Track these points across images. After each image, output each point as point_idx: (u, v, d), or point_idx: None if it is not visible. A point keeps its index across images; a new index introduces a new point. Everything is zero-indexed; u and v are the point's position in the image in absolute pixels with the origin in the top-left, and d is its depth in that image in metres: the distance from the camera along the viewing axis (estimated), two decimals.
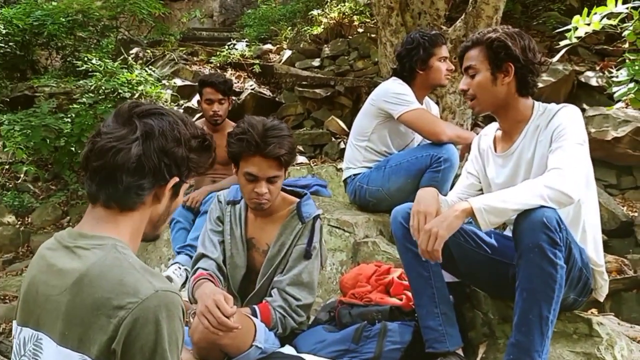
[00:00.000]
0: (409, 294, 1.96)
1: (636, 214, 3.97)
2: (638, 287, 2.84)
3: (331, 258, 2.71)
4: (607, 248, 1.97)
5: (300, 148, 5.41)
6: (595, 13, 2.52)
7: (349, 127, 5.85)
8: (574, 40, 2.58)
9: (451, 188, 2.46)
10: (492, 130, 2.10)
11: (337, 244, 2.78)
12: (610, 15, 2.57)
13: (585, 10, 2.52)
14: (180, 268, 2.74)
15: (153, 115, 1.19)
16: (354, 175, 2.97)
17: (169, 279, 2.67)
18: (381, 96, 2.88)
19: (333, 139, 5.42)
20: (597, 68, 6.15)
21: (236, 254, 2.08)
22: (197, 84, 3.35)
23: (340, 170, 4.40)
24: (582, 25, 2.58)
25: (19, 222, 5.41)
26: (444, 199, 1.95)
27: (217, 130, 3.29)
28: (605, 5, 7.29)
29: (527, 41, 1.87)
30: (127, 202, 1.17)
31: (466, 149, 2.77)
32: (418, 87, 2.90)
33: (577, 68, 6.07)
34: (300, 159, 5.11)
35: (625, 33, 2.47)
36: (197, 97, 6.10)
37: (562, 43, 2.74)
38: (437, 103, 4.39)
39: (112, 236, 1.16)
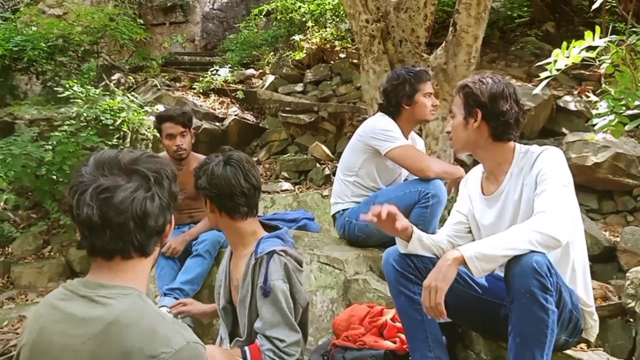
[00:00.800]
0: (403, 336, 1.96)
1: (618, 239, 4.02)
2: (623, 313, 2.86)
3: (322, 295, 2.69)
4: (591, 274, 2.01)
5: (285, 174, 5.41)
6: (575, 46, 2.58)
7: (333, 153, 5.91)
8: (554, 73, 2.63)
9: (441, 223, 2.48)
10: (478, 171, 2.13)
11: (327, 281, 2.76)
12: (588, 48, 2.64)
13: (565, 44, 2.58)
14: (169, 312, 2.70)
15: (149, 160, 1.22)
16: (343, 210, 2.97)
17: None
18: (368, 132, 2.91)
19: (318, 165, 5.43)
20: (575, 92, 6.30)
21: (221, 292, 2.11)
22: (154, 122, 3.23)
23: (325, 197, 4.40)
24: (562, 58, 2.64)
25: None
26: (425, 235, 1.97)
27: (182, 166, 3.20)
28: (579, 31, 7.51)
29: (502, 88, 1.92)
30: (149, 247, 1.20)
31: (453, 183, 2.81)
32: (403, 122, 2.94)
33: (555, 93, 6.20)
34: (285, 185, 5.11)
35: (604, 66, 2.52)
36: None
37: (543, 75, 2.80)
38: (420, 129, 4.45)
39: (134, 286, 1.17)
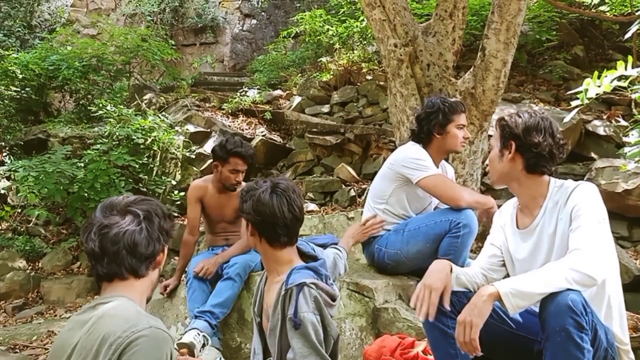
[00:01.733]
0: None
1: None
2: None
3: (350, 323, 2.68)
4: None
5: (311, 195, 5.44)
6: (607, 75, 2.57)
7: (359, 174, 5.93)
8: (586, 102, 2.63)
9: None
10: (513, 203, 2.14)
11: (356, 309, 2.75)
12: (620, 77, 2.63)
13: (596, 72, 2.57)
14: (199, 334, 2.73)
15: (142, 202, 1.55)
16: (372, 238, 2.98)
17: (192, 344, 2.66)
18: (400, 161, 2.93)
19: (343, 186, 5.45)
20: (604, 117, 6.23)
21: (255, 310, 2.14)
22: (219, 149, 3.22)
23: (351, 219, 4.41)
24: (594, 87, 2.64)
25: (30, 267, 5.42)
26: (460, 270, 1.97)
27: (224, 191, 3.30)
28: (608, 54, 7.39)
29: (537, 122, 1.95)
30: (141, 270, 1.51)
31: (484, 213, 2.80)
32: (434, 150, 2.96)
33: (584, 117, 6.13)
34: (311, 206, 5.14)
35: (635, 95, 2.51)
36: (209, 144, 6.25)
37: (573, 103, 2.79)
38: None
39: (125, 295, 1.48)
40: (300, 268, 1.98)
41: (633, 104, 6.33)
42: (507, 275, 2.07)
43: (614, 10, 6.82)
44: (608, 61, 7.39)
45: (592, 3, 6.71)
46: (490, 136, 2.10)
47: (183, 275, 3.35)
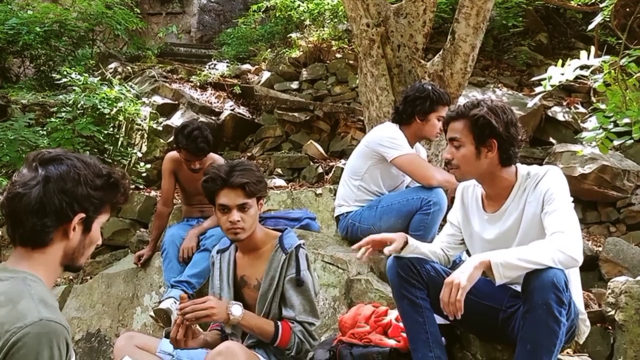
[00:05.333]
0: (405, 335, 2.06)
1: (600, 249, 4.16)
2: (602, 320, 2.98)
3: (324, 293, 2.79)
4: None
5: (279, 171, 5.48)
6: (570, 64, 2.69)
7: (327, 152, 5.99)
8: (549, 89, 2.75)
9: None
10: (474, 184, 2.21)
11: (330, 279, 2.85)
12: (582, 66, 2.75)
13: (560, 61, 2.69)
14: (175, 302, 2.78)
15: (54, 161, 1.37)
16: (347, 213, 3.09)
17: (169, 311, 2.72)
18: (376, 140, 3.04)
19: (311, 163, 5.51)
20: (564, 103, 6.45)
21: (223, 294, 2.22)
22: (175, 135, 3.26)
23: (319, 195, 4.48)
24: (557, 74, 2.75)
25: None
26: (419, 243, 2.12)
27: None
28: (571, 42, 7.59)
29: (509, 116, 2.00)
30: (36, 240, 1.35)
31: (453, 192, 2.92)
32: (411, 133, 3.07)
33: (545, 103, 6.33)
34: (279, 182, 5.18)
35: (596, 84, 2.64)
36: (177, 116, 6.19)
37: (537, 89, 2.91)
38: None
39: (26, 270, 1.34)
40: (288, 233, 2.14)
41: (592, 91, 6.56)
42: (469, 253, 2.19)
43: (578, 0, 7.01)
44: (570, 49, 7.61)
45: None
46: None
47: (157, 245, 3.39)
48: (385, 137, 3.01)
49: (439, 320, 2.02)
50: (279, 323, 2.07)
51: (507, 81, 7.03)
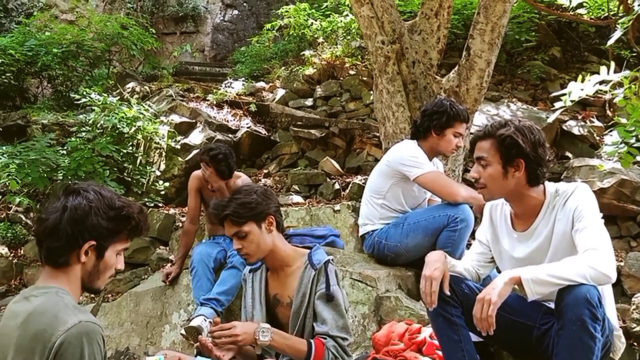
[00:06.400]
0: (440, 353, 2.07)
1: (622, 264, 4.13)
2: (627, 337, 2.96)
3: (353, 311, 2.79)
4: None
5: (296, 187, 5.52)
6: (589, 80, 2.71)
7: (343, 168, 6.02)
8: (569, 104, 2.76)
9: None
10: (503, 202, 2.21)
11: (359, 297, 2.86)
12: (601, 81, 2.77)
13: (580, 76, 2.70)
14: (205, 320, 2.81)
15: (74, 192, 1.56)
16: (372, 231, 3.11)
17: (200, 329, 2.75)
18: (397, 159, 3.07)
19: (328, 180, 5.54)
20: (580, 117, 6.44)
21: (255, 314, 2.25)
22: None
23: (337, 212, 4.51)
24: (577, 90, 2.76)
25: (12, 254, 5.37)
26: (454, 261, 2.10)
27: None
28: (584, 56, 7.59)
29: (537, 136, 2.00)
30: (53, 260, 1.54)
31: (479, 209, 2.93)
32: (427, 148, 3.11)
33: (560, 117, 6.32)
34: (296, 198, 5.21)
35: (617, 99, 2.65)
36: (194, 134, 6.26)
37: (557, 104, 2.92)
38: None
39: (56, 285, 1.53)
40: (316, 250, 2.17)
41: (607, 105, 6.56)
42: (499, 271, 2.19)
43: (591, 13, 7.04)
44: (584, 63, 7.63)
45: (571, 6, 6.91)
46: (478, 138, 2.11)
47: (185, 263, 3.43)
48: (406, 156, 3.03)
49: (473, 337, 2.02)
50: (312, 341, 2.07)
51: (521, 96, 7.04)
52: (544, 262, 2.00)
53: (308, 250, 2.25)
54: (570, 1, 7.00)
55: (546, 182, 2.08)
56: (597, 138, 6.23)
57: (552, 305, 1.95)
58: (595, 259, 1.80)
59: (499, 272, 2.17)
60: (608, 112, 6.61)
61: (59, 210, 1.52)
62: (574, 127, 6.21)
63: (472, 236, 2.55)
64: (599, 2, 6.92)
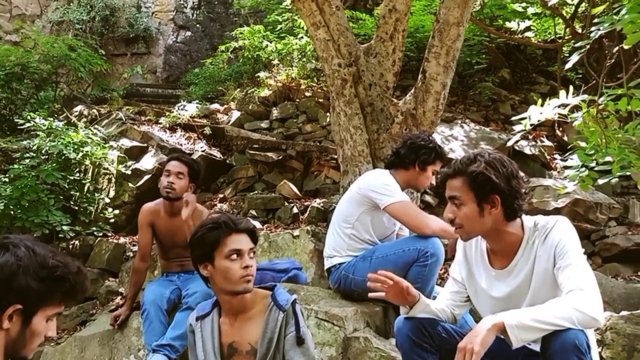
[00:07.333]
0: None
1: None
2: None
3: (319, 353, 2.63)
4: None
5: (253, 212, 5.38)
6: (549, 103, 2.72)
7: (301, 191, 5.93)
8: (529, 127, 2.77)
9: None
10: (479, 239, 2.11)
11: (325, 338, 2.70)
12: (560, 105, 2.79)
13: (540, 101, 2.72)
14: None
15: (3, 248, 1.36)
16: (339, 264, 2.97)
17: None
18: (369, 186, 2.97)
19: (286, 203, 5.43)
20: (530, 137, 6.59)
21: None
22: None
23: (296, 237, 4.40)
24: (537, 114, 2.78)
25: None
26: (428, 301, 2.00)
27: (177, 214, 3.23)
28: (532, 77, 7.84)
29: (509, 168, 1.92)
30: None
31: (453, 245, 2.82)
32: (403, 179, 3.03)
33: (510, 136, 6.45)
34: (254, 224, 5.08)
35: (576, 123, 2.68)
36: (146, 159, 6.04)
37: (517, 128, 2.93)
38: None
39: None
40: (279, 290, 2.03)
41: (556, 125, 6.75)
42: (473, 310, 2.11)
43: (538, 37, 7.28)
44: (532, 84, 7.86)
45: (519, 29, 7.13)
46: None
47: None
48: (379, 184, 2.94)
49: None
50: None
51: (473, 116, 7.17)
52: (525, 302, 1.92)
53: (268, 292, 2.10)
54: (519, 24, 7.24)
55: (523, 216, 1.99)
56: (548, 157, 6.38)
57: (534, 347, 1.87)
58: (581, 301, 1.71)
59: (475, 314, 2.09)
60: (557, 131, 6.80)
61: None
62: (525, 147, 6.34)
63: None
64: (545, 26, 7.17)
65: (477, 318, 2.09)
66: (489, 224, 1.92)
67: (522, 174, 2.02)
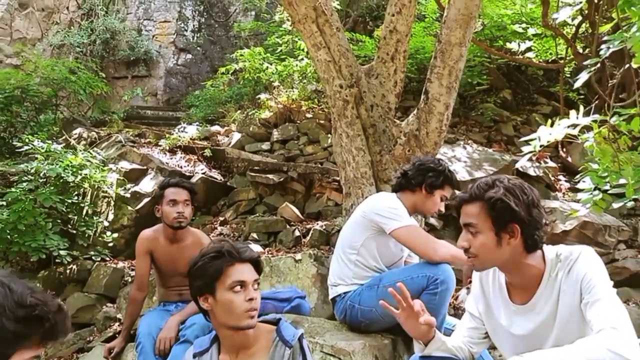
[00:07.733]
0: None
1: None
2: None
3: None
4: None
5: (254, 235, 5.29)
6: (559, 124, 2.66)
7: (302, 213, 5.84)
8: (538, 149, 2.70)
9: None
10: (497, 271, 1.97)
11: None
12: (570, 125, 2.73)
13: (549, 122, 2.65)
14: None
15: None
16: (344, 293, 2.83)
17: None
18: (374, 209, 2.82)
19: (287, 226, 5.34)
20: (534, 158, 6.51)
21: None
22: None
23: (298, 261, 4.30)
24: (546, 135, 2.71)
25: None
26: (445, 338, 1.88)
27: (177, 240, 3.14)
28: (533, 98, 7.81)
29: (530, 196, 1.78)
30: None
31: (470, 270, 2.67)
32: (410, 203, 2.88)
33: (515, 158, 6.39)
34: (256, 248, 4.98)
35: (586, 144, 2.61)
36: (146, 182, 5.97)
37: (525, 149, 2.86)
38: None
39: None
40: (284, 324, 1.92)
41: (559, 145, 6.69)
42: (492, 347, 1.97)
43: (539, 57, 7.26)
44: (534, 104, 7.83)
45: (520, 50, 7.12)
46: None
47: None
48: (384, 207, 2.79)
49: None
50: None
51: (476, 137, 7.12)
52: (549, 340, 1.78)
53: (272, 327, 1.97)
54: (519, 45, 7.23)
55: (544, 247, 1.84)
56: (552, 179, 6.30)
57: None
58: (614, 341, 1.55)
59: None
60: (561, 152, 6.73)
61: None
62: (530, 169, 6.26)
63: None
64: (546, 46, 7.15)
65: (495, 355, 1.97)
66: (507, 255, 1.78)
67: (543, 202, 1.86)
